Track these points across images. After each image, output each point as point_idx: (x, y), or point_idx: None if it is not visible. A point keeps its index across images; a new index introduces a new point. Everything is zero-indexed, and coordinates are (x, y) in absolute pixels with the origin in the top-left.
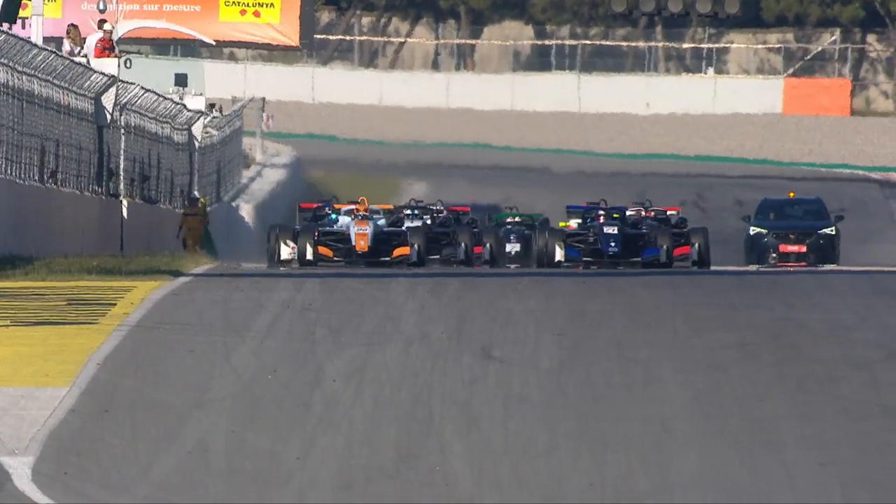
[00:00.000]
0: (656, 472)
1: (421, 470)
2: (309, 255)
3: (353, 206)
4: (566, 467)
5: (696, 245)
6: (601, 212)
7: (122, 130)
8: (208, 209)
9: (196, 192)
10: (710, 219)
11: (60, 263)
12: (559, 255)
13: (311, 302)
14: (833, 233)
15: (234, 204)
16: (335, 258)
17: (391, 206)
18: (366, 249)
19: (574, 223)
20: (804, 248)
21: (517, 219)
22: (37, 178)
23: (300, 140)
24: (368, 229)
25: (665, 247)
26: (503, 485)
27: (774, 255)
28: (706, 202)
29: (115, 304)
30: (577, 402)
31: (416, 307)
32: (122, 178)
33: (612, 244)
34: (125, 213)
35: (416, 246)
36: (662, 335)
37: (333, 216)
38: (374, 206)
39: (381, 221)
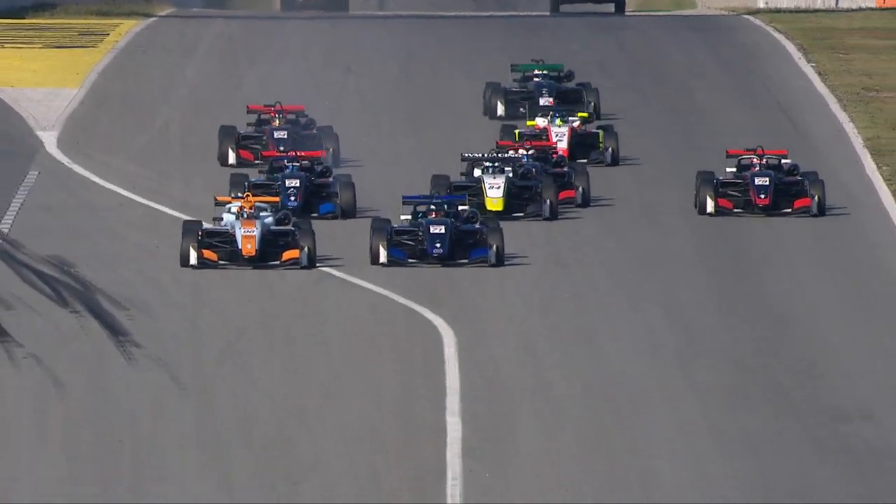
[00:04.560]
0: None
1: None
2: (192, 260)
3: (237, 203)
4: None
5: (816, 197)
6: (755, 158)
7: None
8: None
9: None
10: None
11: (74, 8)
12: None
13: (233, 34)
14: None
15: None
16: (220, 262)
17: (277, 200)
18: (253, 254)
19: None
20: None
21: (545, 71)
22: None
23: None
24: (255, 231)
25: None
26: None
27: None
28: None
29: (108, 35)
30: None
31: (300, 26)
32: None
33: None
34: None
35: (306, 249)
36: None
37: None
38: (260, 203)
39: (269, 219)
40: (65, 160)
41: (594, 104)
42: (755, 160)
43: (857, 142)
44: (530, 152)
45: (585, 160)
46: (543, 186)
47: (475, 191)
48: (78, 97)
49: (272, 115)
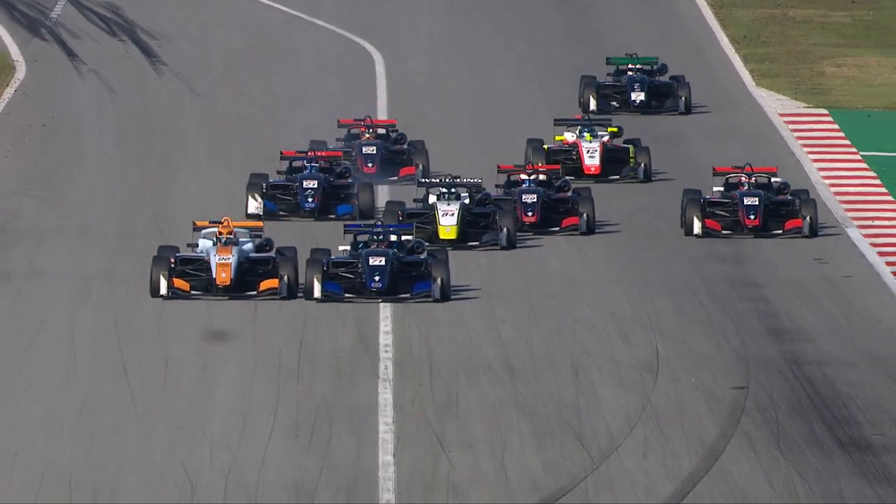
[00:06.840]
0: None
1: None
2: (163, 290)
3: (214, 228)
4: None
5: (808, 218)
6: (744, 177)
7: None
8: None
9: None
10: None
11: None
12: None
13: None
14: None
15: None
16: (192, 291)
17: (261, 224)
18: (227, 283)
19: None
20: None
21: (638, 65)
22: None
23: None
24: (232, 258)
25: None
26: None
27: None
28: None
29: None
30: None
31: None
32: None
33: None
34: None
35: (285, 278)
36: None
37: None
38: (240, 227)
39: (248, 246)
40: None
41: (685, 98)
42: (744, 178)
43: None
44: (532, 177)
45: (617, 176)
46: (500, 214)
47: (428, 218)
48: None
49: (362, 129)
